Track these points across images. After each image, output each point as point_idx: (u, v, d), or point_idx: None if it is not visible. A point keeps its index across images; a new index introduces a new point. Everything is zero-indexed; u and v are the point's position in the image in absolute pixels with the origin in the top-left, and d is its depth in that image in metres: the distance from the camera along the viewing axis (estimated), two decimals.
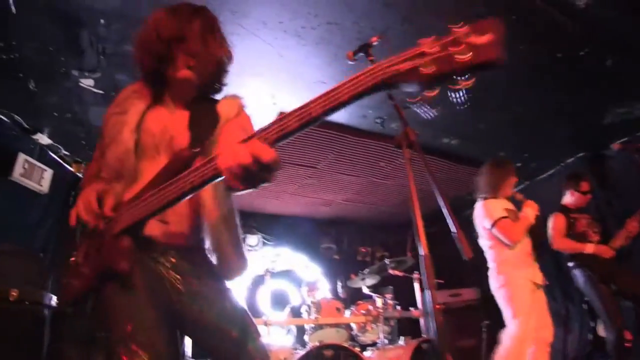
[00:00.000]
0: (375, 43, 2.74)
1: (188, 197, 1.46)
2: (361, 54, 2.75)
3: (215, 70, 1.92)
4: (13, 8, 3.34)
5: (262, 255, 7.47)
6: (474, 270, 6.78)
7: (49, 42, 3.66)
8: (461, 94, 1.05)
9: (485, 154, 5.32)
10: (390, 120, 5.03)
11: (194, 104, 1.92)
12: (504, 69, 1.90)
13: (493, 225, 4.08)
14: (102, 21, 3.44)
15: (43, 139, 5.00)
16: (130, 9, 3.30)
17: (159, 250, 1.74)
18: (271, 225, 7.82)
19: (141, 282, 1.62)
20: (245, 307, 1.83)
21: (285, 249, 7.75)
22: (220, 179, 1.33)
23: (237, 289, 6.79)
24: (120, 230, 1.60)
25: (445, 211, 1.95)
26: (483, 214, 4.21)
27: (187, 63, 1.80)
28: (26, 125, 4.75)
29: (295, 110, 1.21)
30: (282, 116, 1.22)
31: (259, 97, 4.59)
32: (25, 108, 4.52)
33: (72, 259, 1.75)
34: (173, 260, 1.76)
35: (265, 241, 7.68)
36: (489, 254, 4.24)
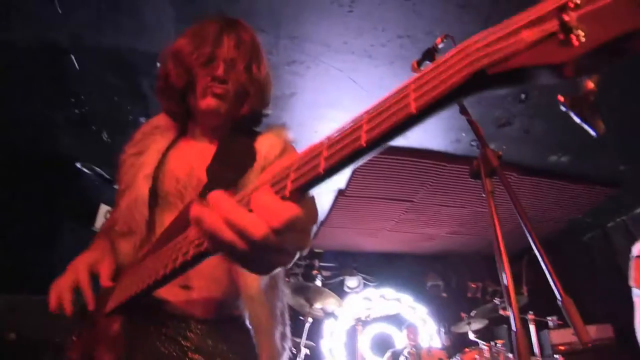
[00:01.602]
0: (441, 45, 2.27)
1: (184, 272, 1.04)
2: (427, 62, 2.29)
3: (249, 97, 1.52)
4: (76, 64, 3.35)
5: (363, 297, 7.00)
6: (606, 300, 5.86)
7: (113, 92, 3.64)
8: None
9: (603, 169, 4.53)
10: (487, 140, 4.41)
11: (226, 139, 1.51)
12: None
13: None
14: (158, 65, 3.28)
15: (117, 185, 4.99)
16: None
17: (175, 324, 1.31)
18: (372, 265, 7.32)
19: None
20: None
21: (389, 289, 7.19)
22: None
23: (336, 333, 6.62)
24: (111, 309, 1.23)
25: (545, 269, 1.42)
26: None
27: (213, 90, 1.44)
28: (107, 176, 4.77)
29: (330, 140, 0.66)
30: (312, 147, 0.69)
31: None
32: (103, 159, 4.55)
33: (73, 337, 1.41)
34: (194, 337, 1.30)
35: (367, 282, 7.19)
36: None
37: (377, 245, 7.19)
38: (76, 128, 4.07)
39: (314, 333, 5.79)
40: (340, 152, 0.61)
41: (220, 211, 0.69)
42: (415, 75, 0.56)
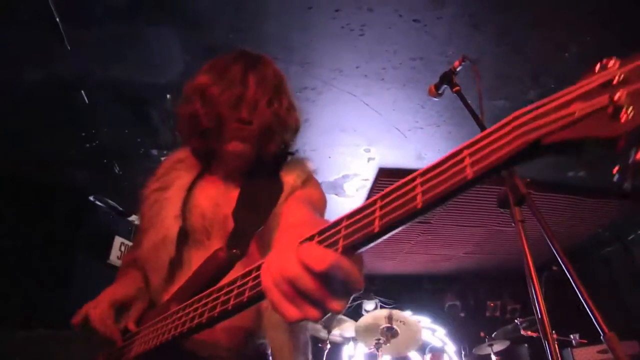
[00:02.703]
0: (459, 68, 2.23)
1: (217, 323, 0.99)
2: (445, 85, 2.24)
3: (275, 136, 1.47)
4: (86, 99, 3.36)
5: (383, 317, 6.87)
6: (629, 315, 5.70)
7: (123, 125, 3.65)
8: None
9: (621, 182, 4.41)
10: None
11: (249, 179, 1.47)
12: None
13: None
14: (168, 96, 3.29)
15: (138, 220, 4.96)
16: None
17: None
18: (390, 287, 7.23)
19: None
20: None
21: (406, 312, 7.04)
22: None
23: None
24: (135, 354, 1.19)
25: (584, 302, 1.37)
26: None
27: (239, 133, 1.39)
28: (120, 208, 4.74)
29: (383, 200, 0.64)
30: (363, 205, 0.67)
31: (354, 153, 4.19)
32: (116, 191, 4.53)
33: None
34: None
35: (384, 305, 7.06)
36: None
37: (395, 268, 7.12)
38: (88, 162, 4.07)
39: (332, 358, 5.68)
40: (395, 211, 0.60)
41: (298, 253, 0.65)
42: (467, 142, 0.58)
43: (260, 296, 0.79)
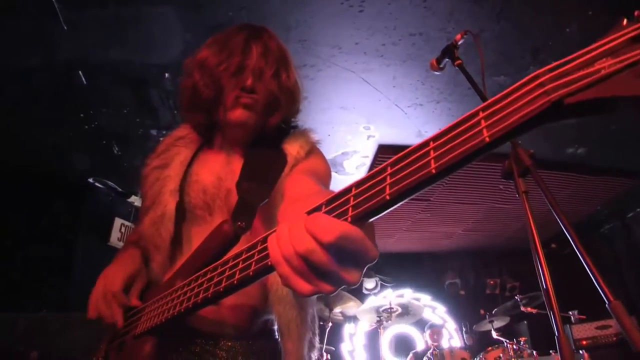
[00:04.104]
0: (461, 41, 2.19)
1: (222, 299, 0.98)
2: (446, 59, 2.21)
3: (280, 106, 1.45)
4: (84, 79, 3.31)
5: (383, 297, 6.93)
6: (628, 292, 5.75)
7: (121, 105, 3.60)
8: None
9: (621, 160, 4.43)
10: None
11: (252, 151, 1.44)
12: None
13: None
14: (167, 75, 3.25)
15: (138, 201, 4.96)
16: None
17: (204, 342, 1.27)
18: (389, 265, 7.18)
19: None
20: None
21: (407, 290, 7.09)
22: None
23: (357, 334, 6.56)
24: (141, 331, 1.18)
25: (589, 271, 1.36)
26: None
27: (242, 101, 1.36)
28: (120, 189, 4.74)
29: (394, 166, 0.61)
30: (373, 172, 0.64)
31: (354, 130, 4.17)
32: (116, 172, 4.51)
33: (93, 358, 1.36)
34: (224, 355, 1.27)
35: (384, 283, 7.09)
36: None
37: (394, 246, 7.14)
38: (87, 143, 4.03)
39: (334, 337, 5.74)
40: (407, 178, 0.58)
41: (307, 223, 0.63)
42: (483, 103, 0.54)
43: (267, 269, 0.77)
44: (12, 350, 3.19)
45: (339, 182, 4.94)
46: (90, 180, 4.52)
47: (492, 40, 3.14)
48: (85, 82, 3.33)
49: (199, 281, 0.99)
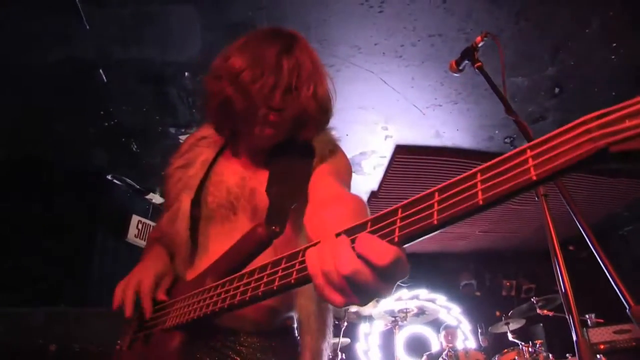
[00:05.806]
0: (481, 44, 2.18)
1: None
2: (466, 61, 2.20)
3: (309, 122, 1.42)
4: (104, 77, 3.35)
5: (397, 298, 6.91)
6: None
7: (141, 103, 3.64)
8: None
9: None
10: (521, 138, 4.31)
11: (278, 154, 1.45)
12: None
13: None
14: (186, 74, 3.28)
15: (156, 198, 5.01)
16: (213, 55, 3.07)
17: (224, 337, 1.30)
18: None
19: None
20: None
21: (422, 290, 7.06)
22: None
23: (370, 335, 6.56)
24: (171, 325, 1.20)
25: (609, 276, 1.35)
26: None
27: (269, 119, 1.34)
28: (138, 187, 4.78)
29: (442, 193, 0.64)
30: (420, 197, 0.67)
31: (372, 130, 4.17)
32: (134, 170, 4.56)
33: (117, 346, 1.38)
34: (244, 351, 1.30)
35: (400, 283, 7.05)
36: None
37: (410, 246, 6.98)
38: (106, 140, 4.08)
39: (349, 336, 5.74)
40: (455, 206, 0.61)
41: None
42: (529, 143, 0.57)
43: (308, 279, 0.79)
44: (31, 344, 3.24)
45: (356, 183, 4.95)
46: (109, 177, 4.57)
47: (510, 41, 3.12)
48: (105, 80, 3.37)
49: (235, 284, 0.99)
